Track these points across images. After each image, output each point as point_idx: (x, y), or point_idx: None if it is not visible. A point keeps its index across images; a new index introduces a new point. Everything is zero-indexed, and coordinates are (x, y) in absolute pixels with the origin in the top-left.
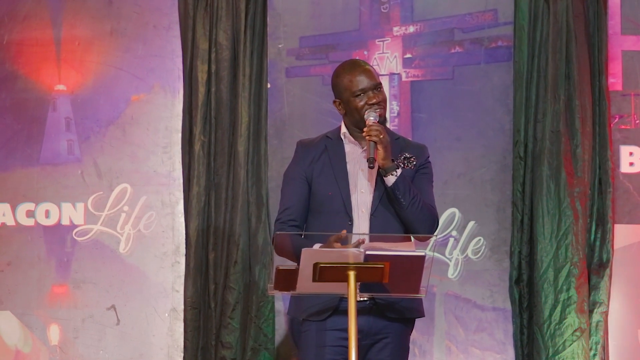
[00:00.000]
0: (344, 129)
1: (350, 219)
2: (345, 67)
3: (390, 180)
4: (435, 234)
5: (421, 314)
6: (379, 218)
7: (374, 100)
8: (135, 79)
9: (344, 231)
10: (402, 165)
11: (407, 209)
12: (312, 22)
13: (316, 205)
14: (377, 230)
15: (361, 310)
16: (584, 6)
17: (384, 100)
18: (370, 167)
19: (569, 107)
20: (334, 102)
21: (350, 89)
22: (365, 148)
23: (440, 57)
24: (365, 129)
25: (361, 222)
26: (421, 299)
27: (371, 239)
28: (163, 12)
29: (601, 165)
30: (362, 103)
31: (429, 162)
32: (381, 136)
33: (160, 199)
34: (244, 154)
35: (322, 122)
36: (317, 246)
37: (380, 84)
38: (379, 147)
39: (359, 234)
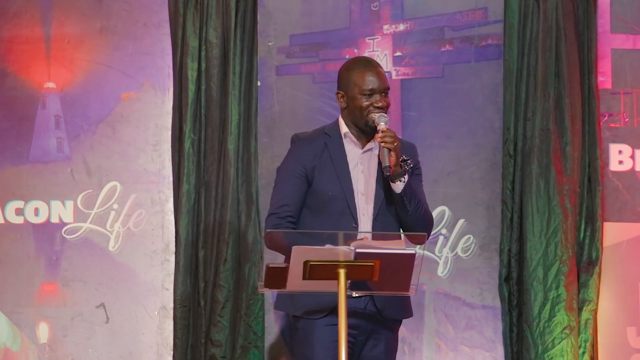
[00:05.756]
0: (344, 128)
1: (356, 222)
2: (359, 63)
3: (399, 186)
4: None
5: (412, 314)
6: (380, 222)
7: (380, 104)
8: (125, 76)
9: (365, 237)
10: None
11: (411, 214)
12: (302, 20)
13: (318, 205)
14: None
15: (357, 308)
16: (574, 4)
17: (389, 106)
18: (387, 175)
19: (558, 106)
20: (337, 93)
21: (361, 86)
22: (363, 150)
23: (430, 56)
24: (379, 135)
25: (363, 226)
26: (409, 300)
27: (374, 238)
28: (153, 10)
29: (590, 163)
30: (367, 103)
31: (419, 161)
32: (395, 143)
33: (149, 197)
34: (234, 152)
35: (312, 120)
36: (328, 247)
37: (389, 89)
38: (392, 154)
39: (364, 232)
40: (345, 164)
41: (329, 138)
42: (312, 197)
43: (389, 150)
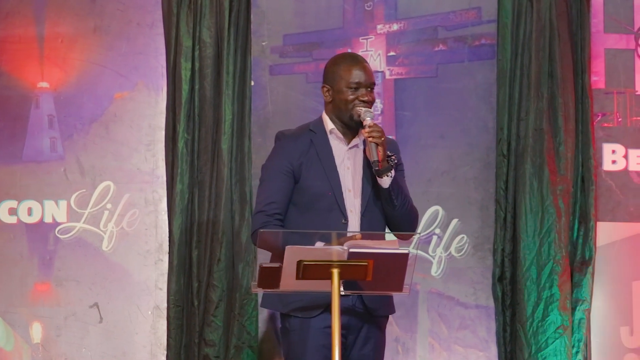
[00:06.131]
0: (330, 124)
1: (345, 218)
2: (346, 57)
3: (386, 182)
4: (419, 232)
5: (394, 310)
6: (367, 218)
7: (366, 98)
8: (118, 76)
9: (359, 234)
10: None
11: (397, 209)
12: (296, 20)
13: (305, 202)
14: (366, 229)
15: (346, 305)
16: (567, 4)
17: (374, 102)
18: (376, 170)
19: (552, 105)
20: (323, 87)
21: (347, 79)
22: (349, 147)
23: (424, 55)
24: (366, 130)
25: (351, 222)
26: (392, 296)
27: (366, 237)
28: (147, 10)
29: (584, 163)
30: (352, 97)
31: (400, 157)
32: (382, 138)
33: (143, 197)
34: (227, 152)
35: (305, 120)
36: (319, 245)
37: (374, 84)
38: (380, 148)
39: (355, 231)
40: (332, 161)
41: (315, 135)
42: (300, 194)
43: (377, 145)
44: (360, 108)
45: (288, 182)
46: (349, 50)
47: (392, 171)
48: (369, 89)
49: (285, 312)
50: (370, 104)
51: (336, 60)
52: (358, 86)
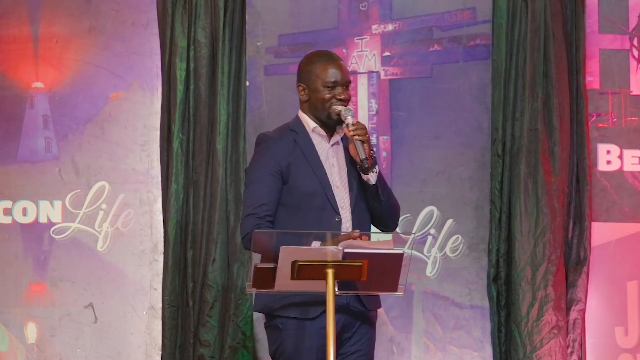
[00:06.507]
0: (312, 124)
1: (338, 216)
2: (321, 56)
3: (372, 177)
4: (414, 232)
5: (380, 305)
6: (356, 213)
7: (343, 97)
8: (113, 76)
9: (357, 231)
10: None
11: (383, 204)
12: (291, 20)
13: (295, 202)
14: (356, 225)
15: (340, 304)
16: (562, 4)
17: (350, 99)
18: (365, 168)
19: (546, 106)
20: (298, 86)
21: (324, 78)
22: (331, 144)
23: (419, 55)
24: (350, 129)
25: (344, 218)
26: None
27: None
28: (142, 10)
29: (579, 163)
30: (329, 96)
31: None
32: (367, 135)
33: (138, 197)
34: (222, 152)
35: None
36: (315, 244)
37: (350, 82)
38: (366, 145)
39: (349, 231)
40: (317, 159)
41: (297, 134)
42: (289, 195)
43: (362, 142)
44: (339, 107)
45: (277, 183)
46: (344, 51)
47: (377, 167)
48: (345, 87)
49: (280, 313)
50: (347, 101)
51: (311, 58)
52: (334, 85)
